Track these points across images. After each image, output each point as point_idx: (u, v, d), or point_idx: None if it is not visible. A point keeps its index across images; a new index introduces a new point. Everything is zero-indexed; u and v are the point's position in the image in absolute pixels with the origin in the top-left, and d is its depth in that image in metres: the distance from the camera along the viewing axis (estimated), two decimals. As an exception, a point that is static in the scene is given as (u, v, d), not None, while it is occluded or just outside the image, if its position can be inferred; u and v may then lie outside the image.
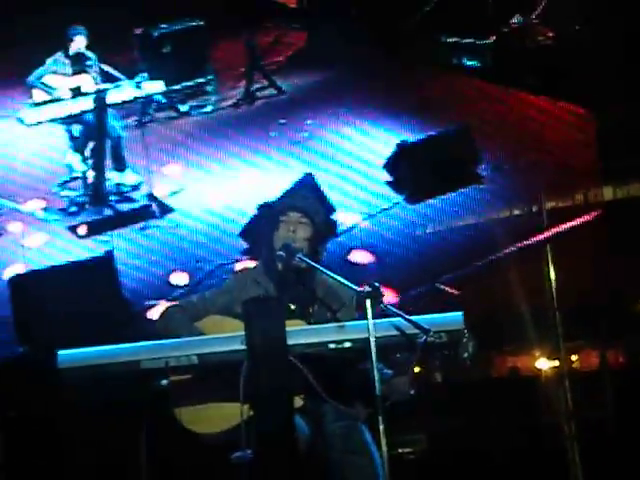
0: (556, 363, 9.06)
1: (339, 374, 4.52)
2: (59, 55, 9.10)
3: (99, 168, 8.84)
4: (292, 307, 4.70)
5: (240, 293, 4.76)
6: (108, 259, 8.02)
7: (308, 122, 9.62)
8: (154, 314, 7.94)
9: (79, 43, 9.04)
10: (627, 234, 9.09)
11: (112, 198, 8.86)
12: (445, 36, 10.23)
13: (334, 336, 4.31)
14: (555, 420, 8.24)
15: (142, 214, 8.82)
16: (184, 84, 9.72)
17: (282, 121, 9.63)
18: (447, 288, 8.53)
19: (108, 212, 8.80)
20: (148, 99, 9.49)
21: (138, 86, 9.04)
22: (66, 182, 9.01)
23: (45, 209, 8.81)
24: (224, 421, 4.39)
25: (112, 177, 8.96)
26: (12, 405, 8.19)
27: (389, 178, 9.26)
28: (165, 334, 4.57)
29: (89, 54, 9.24)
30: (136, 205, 8.89)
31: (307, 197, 4.93)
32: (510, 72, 10.08)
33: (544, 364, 9.74)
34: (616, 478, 8.03)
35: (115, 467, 7.64)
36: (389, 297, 8.64)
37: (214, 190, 9.13)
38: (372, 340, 4.13)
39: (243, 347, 4.26)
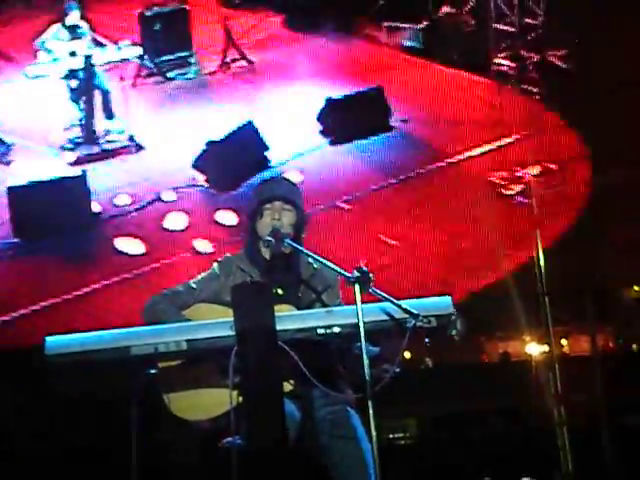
0: (546, 348, 8.96)
1: (328, 359, 4.12)
2: (58, 26, 10.57)
3: (89, 115, 10.39)
4: (280, 292, 4.31)
5: (226, 280, 4.33)
6: (83, 177, 9.68)
7: (267, 85, 10.98)
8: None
9: (74, 16, 10.57)
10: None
11: (101, 140, 10.39)
12: (388, 21, 11.54)
13: (323, 321, 3.95)
14: (545, 405, 8.16)
15: (122, 151, 10.36)
16: (170, 56, 11.15)
17: (247, 86, 11.02)
18: (344, 205, 9.89)
19: (96, 149, 10.33)
20: (142, 64, 10.87)
21: (119, 49, 10.68)
22: (68, 127, 10.43)
23: (49, 146, 10.30)
24: (213, 408, 4.02)
25: (103, 123, 10.47)
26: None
27: (320, 127, 10.47)
28: (152, 324, 4.16)
29: (82, 25, 10.67)
30: (118, 145, 10.37)
31: (288, 184, 4.58)
32: (436, 50, 11.19)
33: (534, 349, 9.70)
34: (605, 462, 7.98)
35: (105, 453, 7.57)
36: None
37: (182, 134, 10.40)
38: (361, 325, 3.78)
39: (232, 333, 3.85)
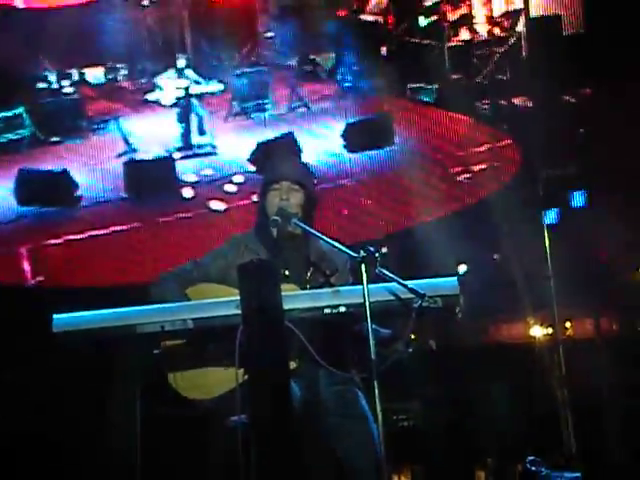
0: (550, 330, 9.06)
1: (334, 339, 3.70)
2: (171, 70, 13.17)
3: (187, 132, 12.91)
4: (286, 272, 3.89)
5: (233, 259, 3.87)
6: (170, 159, 12.47)
7: (320, 119, 13.47)
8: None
9: (181, 62, 12.96)
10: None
11: (195, 148, 12.91)
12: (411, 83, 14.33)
13: (329, 301, 3.62)
14: (548, 387, 7.96)
15: (208, 155, 13.15)
16: (252, 102, 13.83)
17: (303, 122, 13.60)
18: (345, 182, 11.71)
19: (190, 153, 12.95)
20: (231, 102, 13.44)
21: (208, 83, 13.16)
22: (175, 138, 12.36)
23: (159, 149, 12.65)
24: (219, 386, 3.69)
25: (197, 137, 12.99)
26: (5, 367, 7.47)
27: (343, 142, 12.70)
28: (158, 301, 3.75)
29: (187, 70, 13.04)
30: (205, 151, 13.12)
31: (297, 165, 4.21)
32: (443, 102, 13.51)
33: (538, 331, 9.63)
34: (608, 444, 7.58)
35: (110, 431, 7.15)
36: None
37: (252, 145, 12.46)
38: (367, 305, 3.39)
39: (238, 311, 3.43)
